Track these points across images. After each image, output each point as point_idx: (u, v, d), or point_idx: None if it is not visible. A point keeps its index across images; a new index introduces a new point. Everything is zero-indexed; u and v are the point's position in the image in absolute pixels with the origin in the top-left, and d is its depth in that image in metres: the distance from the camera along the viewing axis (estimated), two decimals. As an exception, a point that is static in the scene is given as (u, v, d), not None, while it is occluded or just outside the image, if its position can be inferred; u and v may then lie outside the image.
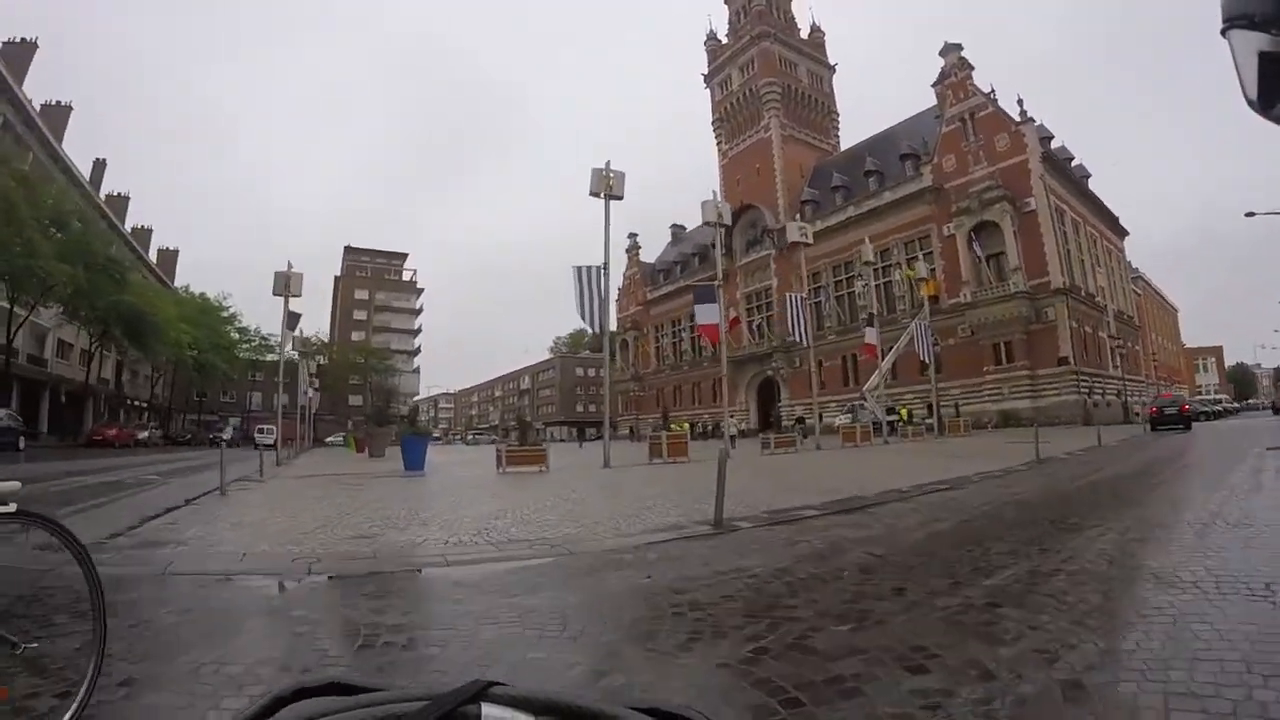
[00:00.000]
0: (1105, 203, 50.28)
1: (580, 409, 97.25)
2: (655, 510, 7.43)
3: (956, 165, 43.88)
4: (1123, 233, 54.60)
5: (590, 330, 18.17)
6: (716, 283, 21.34)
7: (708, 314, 20.44)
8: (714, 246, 21.69)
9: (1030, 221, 39.41)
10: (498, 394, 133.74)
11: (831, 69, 67.97)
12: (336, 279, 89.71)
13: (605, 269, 18.40)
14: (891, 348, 38.88)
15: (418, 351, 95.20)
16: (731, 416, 39.22)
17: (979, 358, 39.78)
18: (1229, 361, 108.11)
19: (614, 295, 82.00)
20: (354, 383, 79.95)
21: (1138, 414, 41.21)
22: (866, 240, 31.57)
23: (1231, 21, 0.80)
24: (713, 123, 68.09)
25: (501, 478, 13.27)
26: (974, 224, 40.39)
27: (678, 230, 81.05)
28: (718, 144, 67.43)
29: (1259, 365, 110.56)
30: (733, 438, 34.37)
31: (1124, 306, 49.44)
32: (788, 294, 24.04)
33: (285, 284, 20.61)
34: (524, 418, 20.22)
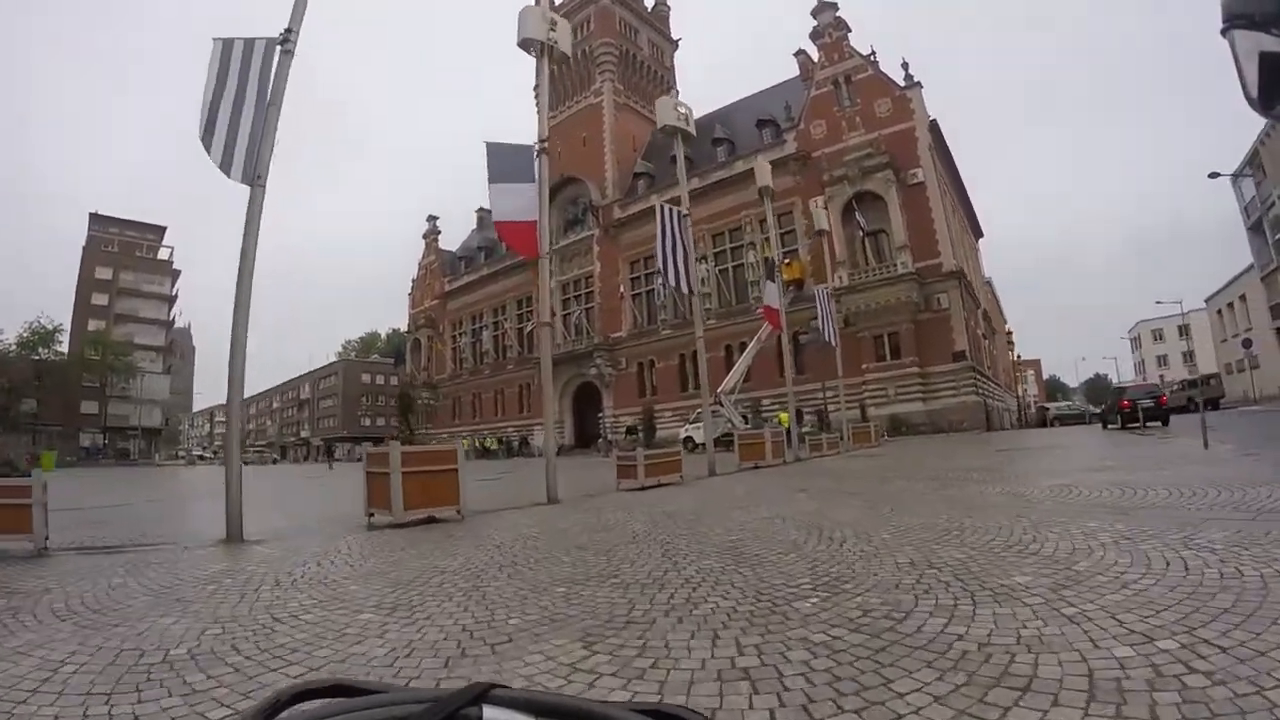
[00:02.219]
0: (970, 197, 46.28)
1: (367, 422, 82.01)
2: None
3: (827, 132, 37.10)
4: (979, 233, 51.36)
5: (228, 176, 6.17)
6: (539, 143, 11.25)
7: (512, 203, 10.40)
8: (541, 55, 11.54)
9: (916, 196, 33.06)
10: (275, 405, 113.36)
11: (674, 44, 60.68)
12: (84, 251, 69.62)
13: (286, 43, 7.88)
14: (751, 339, 31.05)
15: (169, 349, 76.43)
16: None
17: (856, 353, 32.45)
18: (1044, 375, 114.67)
19: (407, 288, 69.35)
20: (88, 385, 61.38)
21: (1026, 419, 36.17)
22: (761, 161, 22.19)
23: (1232, 21, 0.80)
24: (535, 88, 58.12)
25: None
26: (852, 194, 33.43)
27: (484, 214, 69.50)
28: (538, 113, 57.50)
29: (1055, 377, 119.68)
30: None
31: (987, 306, 45.36)
32: (662, 207, 14.32)
33: None
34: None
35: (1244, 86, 0.81)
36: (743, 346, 35.28)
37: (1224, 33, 0.81)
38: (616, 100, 51.70)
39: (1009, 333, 37.47)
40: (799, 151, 37.30)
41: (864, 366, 32.01)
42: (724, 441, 25.60)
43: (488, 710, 0.47)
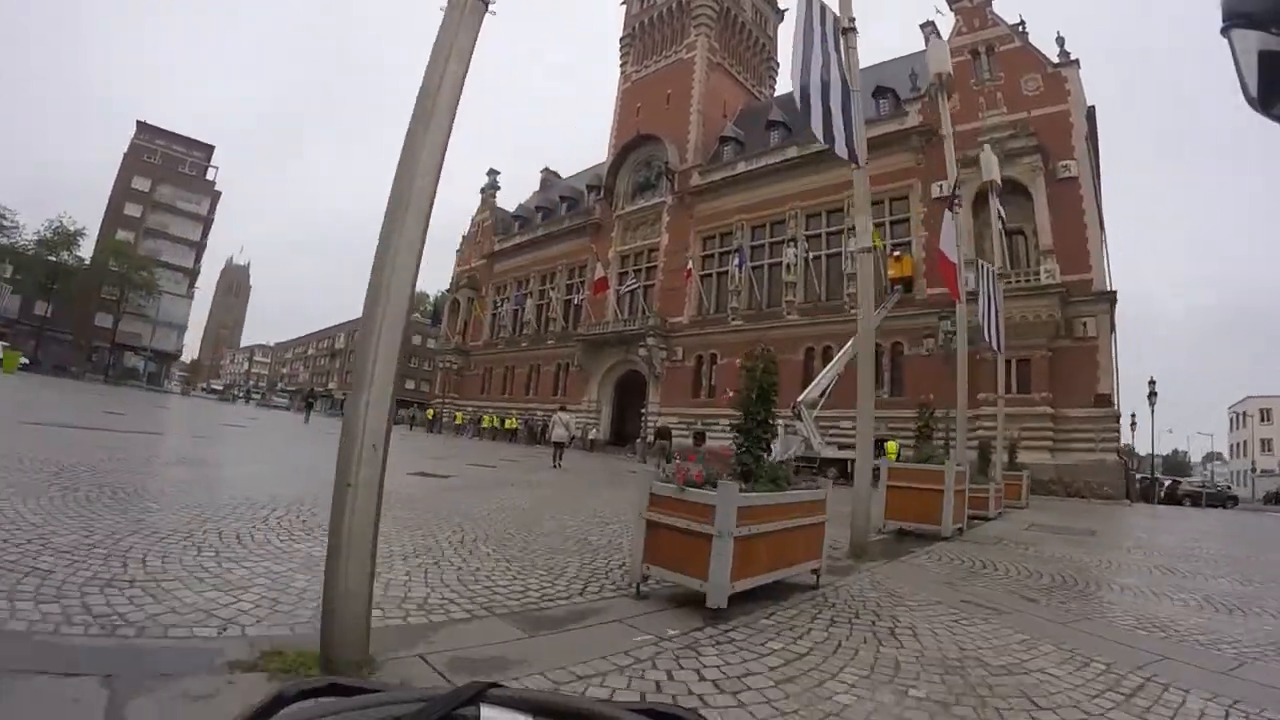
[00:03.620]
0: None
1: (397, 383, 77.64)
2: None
3: (961, 107, 30.45)
4: (1105, 261, 44.15)
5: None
6: None
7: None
8: None
9: (1066, 193, 26.54)
10: (310, 352, 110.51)
11: (780, 14, 54.41)
12: (124, 159, 67.99)
13: None
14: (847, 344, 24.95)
15: (197, 273, 73.00)
16: (566, 411, 22.46)
17: (972, 378, 26.13)
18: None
19: (456, 244, 64.52)
20: (106, 297, 58.18)
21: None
22: (936, 42, 15.58)
23: (1232, 20, 0.80)
24: (621, 39, 52.40)
25: None
26: (985, 182, 27.02)
27: (549, 177, 64.34)
28: (622, 66, 51.81)
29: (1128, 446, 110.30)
30: (560, 445, 20.45)
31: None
32: None
33: None
34: None
35: (1244, 86, 0.80)
36: (827, 352, 29.22)
37: (1224, 32, 0.79)
38: (710, 59, 45.74)
39: (1151, 381, 30.38)
40: (922, 125, 30.91)
41: (980, 396, 25.59)
42: (806, 467, 19.98)
43: (485, 709, 0.47)
